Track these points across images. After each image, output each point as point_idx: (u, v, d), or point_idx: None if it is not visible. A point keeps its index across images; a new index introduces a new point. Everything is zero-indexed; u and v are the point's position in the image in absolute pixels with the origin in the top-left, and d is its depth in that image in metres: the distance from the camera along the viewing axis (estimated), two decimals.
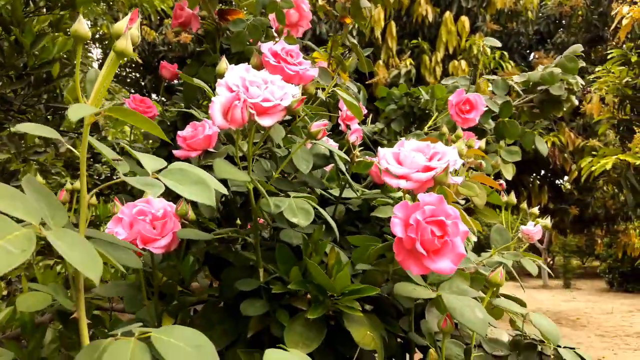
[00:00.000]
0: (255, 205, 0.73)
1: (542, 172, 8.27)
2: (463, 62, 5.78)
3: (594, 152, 4.85)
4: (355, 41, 1.14)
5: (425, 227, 0.59)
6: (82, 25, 0.39)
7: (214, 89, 1.30)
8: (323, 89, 1.03)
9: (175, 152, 0.91)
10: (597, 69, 4.61)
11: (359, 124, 1.18)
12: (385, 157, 0.67)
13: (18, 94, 1.30)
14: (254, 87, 0.62)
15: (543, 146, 1.45)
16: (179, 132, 0.91)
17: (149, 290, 0.82)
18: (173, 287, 0.82)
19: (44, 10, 1.24)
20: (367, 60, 1.23)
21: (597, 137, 5.97)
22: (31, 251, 0.35)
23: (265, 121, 0.62)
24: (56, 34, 1.34)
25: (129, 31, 0.40)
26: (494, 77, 1.39)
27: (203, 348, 0.39)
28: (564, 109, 1.47)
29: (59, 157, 1.53)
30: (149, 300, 0.80)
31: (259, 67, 0.75)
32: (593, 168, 3.92)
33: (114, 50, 0.40)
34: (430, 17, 5.95)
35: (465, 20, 5.83)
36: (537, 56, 7.38)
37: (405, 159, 0.66)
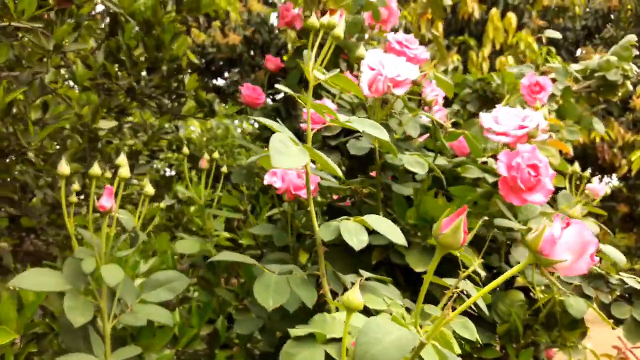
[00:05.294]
0: (379, 160, 0.94)
1: (590, 169, 8.22)
2: (510, 58, 5.86)
3: None
4: (437, 33, 1.34)
5: (524, 169, 0.79)
6: (316, 19, 0.60)
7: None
8: None
9: (302, 125, 1.13)
10: None
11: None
12: (486, 119, 0.87)
13: (144, 85, 1.55)
14: (388, 66, 0.83)
15: (600, 126, 1.61)
16: (304, 110, 1.13)
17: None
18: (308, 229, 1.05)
19: (173, 13, 1.49)
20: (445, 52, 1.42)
21: None
22: None
23: (398, 91, 0.83)
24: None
25: (342, 20, 0.61)
26: (557, 65, 1.56)
27: (395, 229, 0.60)
28: (619, 94, 1.63)
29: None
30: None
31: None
32: None
33: (331, 36, 0.62)
34: (477, 14, 6.05)
35: (512, 16, 5.91)
36: (584, 51, 7.36)
37: (503, 119, 0.86)
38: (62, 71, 1.59)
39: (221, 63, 8.75)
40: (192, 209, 1.45)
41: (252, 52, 8.53)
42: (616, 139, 6.17)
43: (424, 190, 0.97)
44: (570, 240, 0.38)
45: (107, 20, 1.61)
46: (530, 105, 1.29)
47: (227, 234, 1.27)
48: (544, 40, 1.70)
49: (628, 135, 6.17)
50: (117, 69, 1.40)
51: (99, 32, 1.45)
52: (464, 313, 1.02)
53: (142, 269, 1.34)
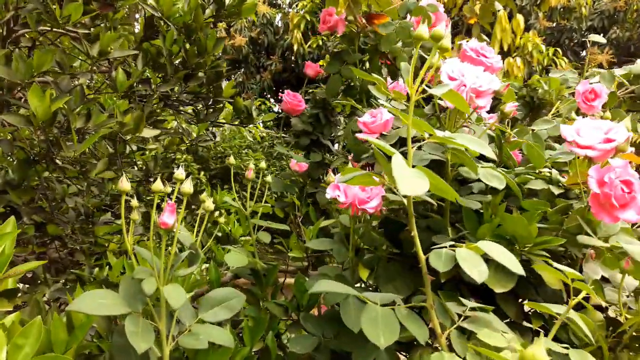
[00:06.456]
0: (450, 172, 0.90)
1: None
2: (518, 59, 5.84)
3: None
4: (485, 38, 1.30)
5: (617, 185, 0.75)
6: (425, 30, 0.57)
7: (353, 85, 1.47)
8: None
9: (358, 135, 1.09)
10: None
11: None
12: (568, 131, 0.83)
13: (178, 92, 1.50)
14: (469, 76, 0.79)
15: None
16: (359, 119, 1.09)
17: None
18: (372, 241, 1.01)
19: (211, 18, 1.44)
20: None
21: None
22: None
23: (480, 101, 0.79)
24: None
25: (448, 31, 0.57)
26: (602, 70, 1.52)
27: (511, 256, 0.56)
28: None
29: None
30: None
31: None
32: None
33: (439, 47, 0.58)
34: None
35: (520, 18, 5.88)
36: (590, 52, 7.34)
37: (586, 133, 0.82)
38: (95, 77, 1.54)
39: (227, 64, 8.68)
40: (216, 214, 1.41)
41: (256, 54, 8.49)
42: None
43: (495, 204, 0.93)
44: None
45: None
46: (586, 113, 1.26)
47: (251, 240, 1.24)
48: (588, 44, 1.65)
49: (636, 135, 6.15)
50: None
51: (133, 36, 1.40)
52: (536, 333, 0.98)
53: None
